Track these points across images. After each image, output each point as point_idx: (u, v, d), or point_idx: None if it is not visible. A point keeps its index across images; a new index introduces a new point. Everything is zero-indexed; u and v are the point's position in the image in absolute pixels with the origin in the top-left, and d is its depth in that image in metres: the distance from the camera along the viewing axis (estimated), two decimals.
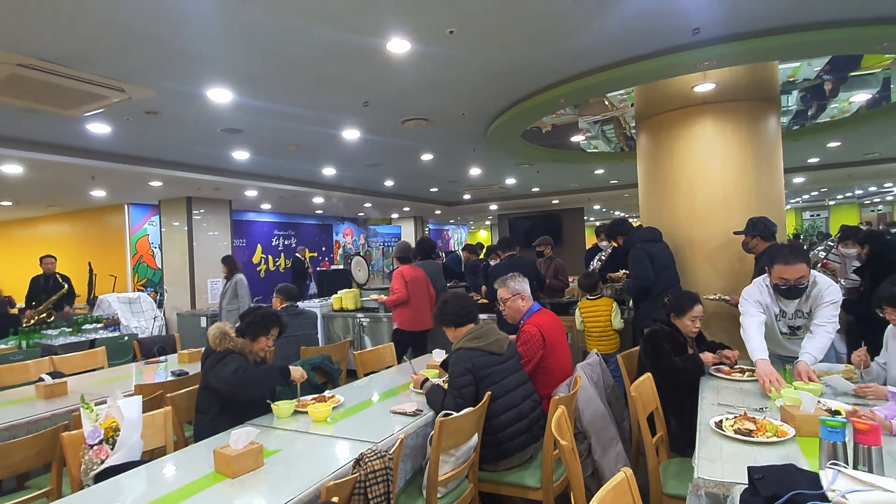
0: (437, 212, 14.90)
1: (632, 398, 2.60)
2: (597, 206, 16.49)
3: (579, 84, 4.08)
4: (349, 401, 3.00)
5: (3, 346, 5.40)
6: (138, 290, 9.45)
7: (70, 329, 5.88)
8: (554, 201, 13.26)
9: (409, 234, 16.32)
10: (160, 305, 8.99)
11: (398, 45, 3.32)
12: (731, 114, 4.46)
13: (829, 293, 2.84)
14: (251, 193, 8.87)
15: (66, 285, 6.91)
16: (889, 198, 19.71)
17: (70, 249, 10.39)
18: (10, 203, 8.80)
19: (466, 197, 12.51)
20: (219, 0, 2.76)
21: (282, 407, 2.69)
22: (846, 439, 1.74)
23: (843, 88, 5.47)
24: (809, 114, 6.48)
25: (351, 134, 5.60)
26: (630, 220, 4.98)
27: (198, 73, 3.71)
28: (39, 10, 2.73)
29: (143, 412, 2.72)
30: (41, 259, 6.84)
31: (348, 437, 2.39)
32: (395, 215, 15.83)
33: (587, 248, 6.49)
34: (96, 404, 2.44)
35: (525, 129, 5.85)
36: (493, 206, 14.13)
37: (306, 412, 2.69)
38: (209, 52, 3.40)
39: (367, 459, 1.87)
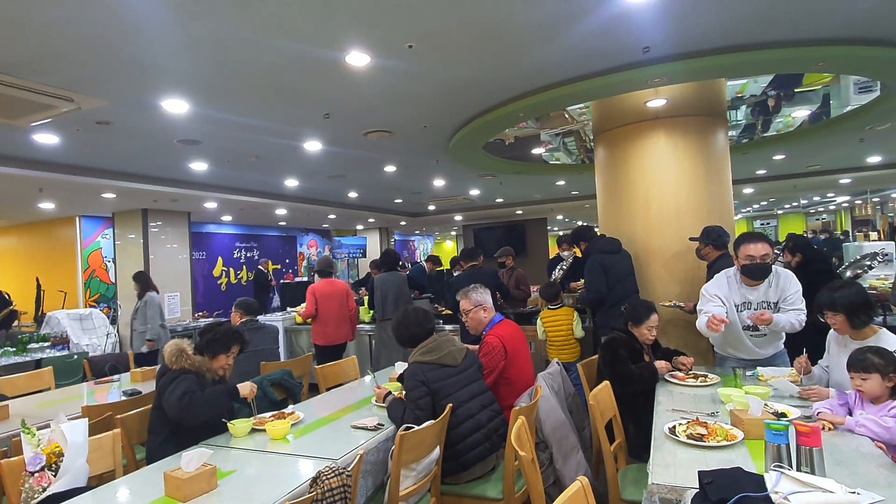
0: (403, 223, 14.88)
1: (590, 406, 2.65)
2: (560, 217, 16.79)
3: (537, 98, 4.18)
4: (309, 417, 2.95)
5: None
6: (90, 306, 9.06)
7: (14, 349, 5.58)
8: (518, 212, 13.44)
9: (374, 245, 16.22)
10: (113, 322, 8.63)
11: (357, 59, 3.33)
12: (682, 128, 4.65)
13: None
14: (211, 205, 8.66)
15: (12, 303, 6.57)
16: (832, 207, 20.80)
17: (16, 264, 9.92)
18: None
19: (431, 208, 12.55)
20: (171, 11, 2.71)
21: (238, 426, 2.62)
22: (789, 441, 1.81)
23: (786, 104, 5.76)
24: (756, 128, 6.79)
25: (313, 146, 5.55)
26: (594, 228, 5.08)
27: (152, 84, 3.62)
28: None
29: (91, 435, 2.62)
30: None
31: (307, 455, 2.34)
32: (360, 226, 15.71)
33: (550, 257, 6.59)
34: (38, 428, 2.33)
35: (487, 142, 5.93)
36: (458, 217, 14.21)
37: (264, 430, 2.63)
38: (163, 63, 3.32)
39: (324, 477, 1.84)
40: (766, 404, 2.44)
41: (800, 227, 21.60)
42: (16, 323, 8.06)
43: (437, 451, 2.56)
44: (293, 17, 2.83)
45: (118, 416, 2.83)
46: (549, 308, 4.76)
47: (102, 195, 6.99)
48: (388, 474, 2.42)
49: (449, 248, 24.80)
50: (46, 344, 5.80)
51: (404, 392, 2.74)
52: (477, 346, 3.30)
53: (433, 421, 2.48)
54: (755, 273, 3.07)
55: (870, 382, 2.24)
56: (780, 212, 22.31)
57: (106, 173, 6.06)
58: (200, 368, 2.69)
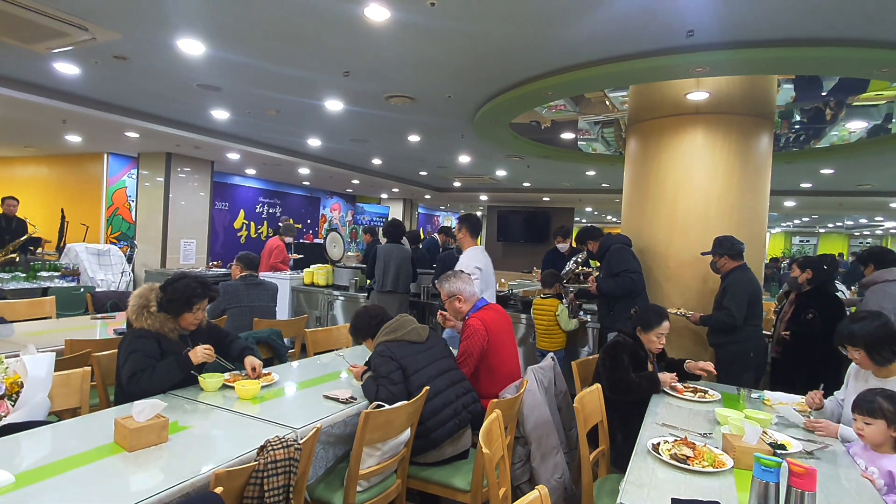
0: (427, 196, 14.71)
1: (575, 409, 2.49)
2: (588, 209, 16.38)
3: (568, 77, 3.92)
4: (284, 380, 2.87)
5: None
6: (110, 243, 9.21)
7: (25, 275, 5.67)
8: (545, 198, 13.12)
9: (397, 214, 16.13)
10: (129, 260, 8.75)
11: (376, 12, 3.13)
12: (723, 126, 4.32)
13: None
14: (233, 156, 8.63)
15: (34, 227, 6.68)
16: (879, 231, 19.78)
17: (45, 194, 10.11)
18: None
19: (457, 184, 12.33)
20: None
21: (208, 381, 2.55)
22: (780, 480, 1.62)
23: (844, 116, 5.34)
24: (802, 138, 6.35)
25: (334, 105, 5.39)
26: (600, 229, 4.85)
27: (165, 20, 3.50)
28: None
29: (69, 369, 2.59)
30: (2, 200, 6.58)
31: (269, 420, 2.25)
32: (384, 195, 15.61)
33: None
34: (8, 356, 2.29)
35: (518, 121, 5.68)
36: (484, 197, 13.97)
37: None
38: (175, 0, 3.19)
39: (270, 448, 1.73)
40: (764, 432, 2.24)
41: (842, 248, 20.64)
42: (39, 250, 8.24)
43: (406, 434, 2.44)
44: None
45: (95, 355, 2.79)
46: (541, 297, 4.68)
47: (126, 133, 7.00)
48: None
49: None
50: (56, 274, 5.88)
51: (373, 372, 2.63)
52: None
53: (405, 402, 2.36)
54: None
55: (873, 428, 2.02)
56: (822, 230, 21.35)
57: (127, 111, 6.03)
58: (161, 329, 2.54)
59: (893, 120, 5.43)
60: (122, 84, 5.11)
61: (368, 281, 5.85)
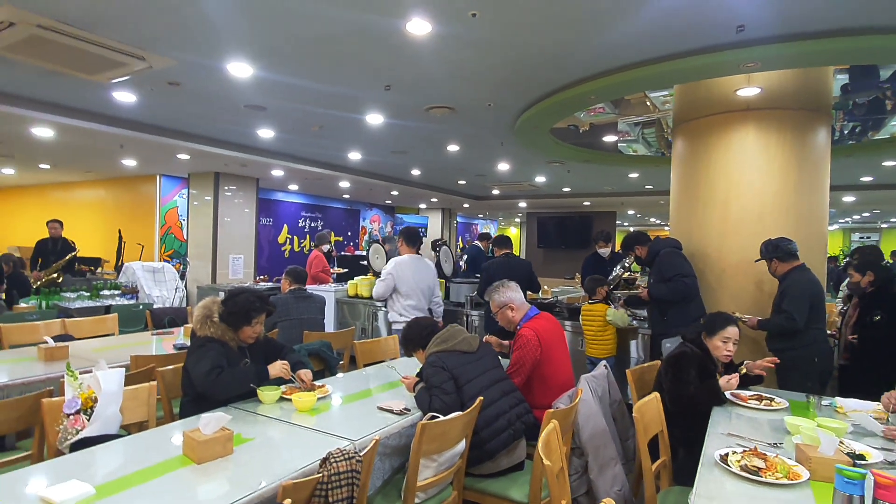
0: (466, 205, 14.73)
1: (635, 419, 2.42)
2: (631, 211, 16.02)
3: (612, 80, 3.85)
4: (339, 392, 2.90)
5: (24, 305, 5.53)
6: (164, 261, 9.62)
7: (89, 294, 5.97)
8: (585, 203, 12.92)
9: (436, 224, 16.21)
10: (182, 277, 9.11)
11: (418, 26, 3.17)
12: (777, 122, 4.16)
13: None
14: (277, 173, 8.89)
15: (75, 249, 7.12)
16: None
17: (103, 216, 10.67)
18: (48, 166, 9.04)
19: (495, 192, 12.31)
20: None
21: (266, 393, 2.61)
22: (864, 493, 1.53)
23: None
24: (860, 130, 6.04)
25: (375, 118, 5.49)
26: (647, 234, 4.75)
27: (216, 45, 3.65)
28: None
29: (135, 384, 2.70)
30: (48, 223, 7.03)
31: (327, 432, 2.28)
32: (422, 205, 15.73)
33: (613, 252, 6.22)
34: (84, 373, 2.41)
35: (556, 126, 5.63)
36: (523, 204, 13.88)
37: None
38: (226, 24, 3.32)
39: (332, 460, 1.75)
40: (841, 442, 2.11)
41: None
42: (99, 269, 8.69)
43: (462, 445, 2.43)
44: None
45: (159, 369, 2.91)
46: (588, 302, 4.63)
47: (178, 155, 7.32)
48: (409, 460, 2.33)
49: (514, 235, 24.44)
50: (117, 292, 6.17)
51: (425, 382, 2.63)
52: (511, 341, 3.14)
53: (459, 413, 2.35)
54: None
55: None
56: (884, 225, 20.19)
57: (179, 134, 6.31)
58: (224, 337, 2.65)
59: None
60: (175, 108, 5.35)
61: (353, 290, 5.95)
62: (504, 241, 5.32)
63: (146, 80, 4.42)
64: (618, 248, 5.58)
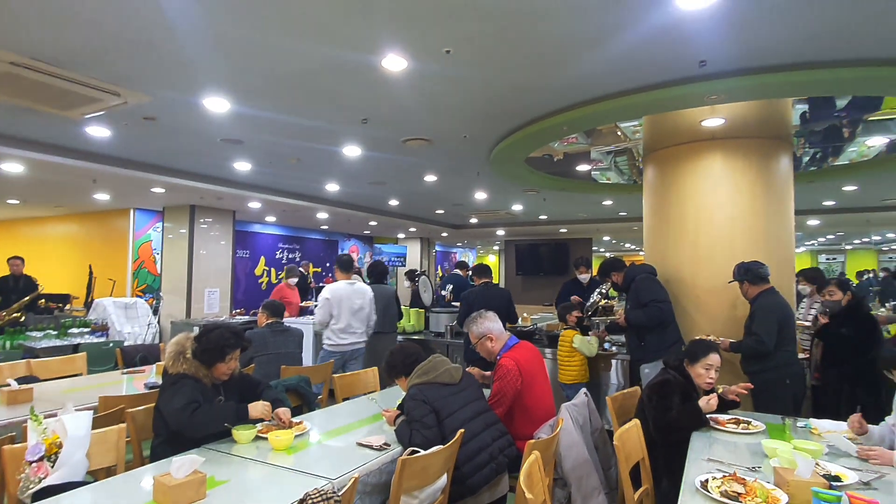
0: (444, 234, 14.80)
1: (616, 448, 2.42)
2: (606, 238, 16.29)
3: (582, 112, 3.97)
4: (317, 428, 2.84)
5: None
6: (137, 296, 9.39)
7: (56, 332, 5.78)
8: (562, 230, 13.10)
9: (415, 254, 16.21)
10: (156, 312, 8.89)
11: (394, 63, 3.24)
12: (742, 150, 4.33)
13: None
14: (254, 205, 8.83)
15: (39, 286, 6.93)
16: None
17: (73, 250, 10.41)
18: (17, 201, 8.84)
19: (473, 221, 12.41)
20: (206, 12, 2.70)
21: (242, 433, 2.53)
22: None
23: (861, 132, 5.29)
24: (827, 156, 6.29)
25: (352, 151, 5.53)
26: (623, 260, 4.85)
27: (192, 81, 3.66)
28: (29, 7, 2.69)
29: (104, 426, 2.60)
30: (8, 260, 6.85)
31: (304, 471, 2.22)
32: (401, 235, 15.75)
33: (589, 278, 6.29)
34: (49, 416, 2.32)
35: (529, 155, 5.74)
36: (501, 232, 14.00)
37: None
38: (202, 62, 3.35)
39: (310, 501, 1.71)
40: (817, 463, 2.14)
41: (871, 263, 20.15)
42: (68, 306, 8.43)
43: (443, 480, 2.39)
44: (329, 19, 2.78)
45: (129, 410, 2.81)
46: (561, 329, 4.74)
47: (152, 189, 7.23)
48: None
49: (492, 263, 24.54)
50: (87, 329, 5.99)
51: (406, 416, 2.60)
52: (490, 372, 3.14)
53: (440, 447, 2.32)
54: None
55: None
56: (848, 247, 20.89)
57: (154, 168, 6.25)
58: (197, 374, 2.58)
59: None
60: (150, 142, 5.31)
61: None
62: (483, 269, 5.37)
63: (121, 116, 4.39)
64: (594, 274, 5.66)
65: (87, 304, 8.65)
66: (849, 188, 7.63)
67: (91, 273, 9.43)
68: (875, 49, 3.07)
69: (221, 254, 9.59)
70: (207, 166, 6.47)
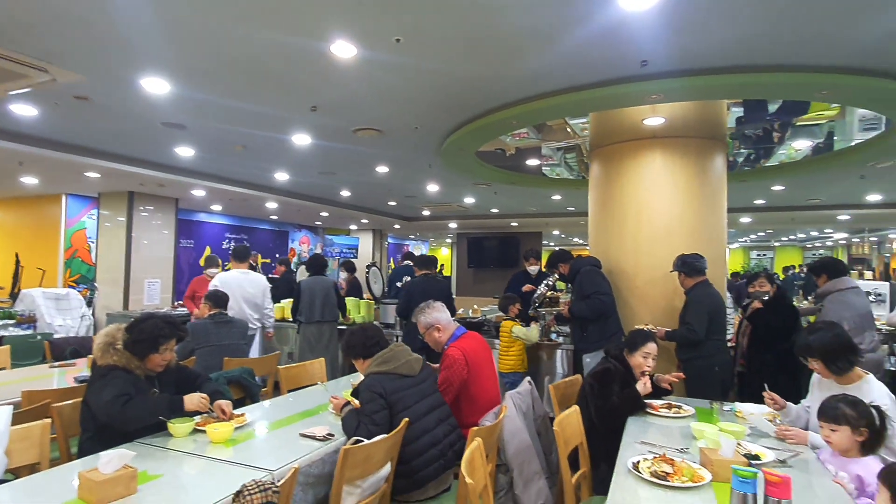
0: (397, 226, 14.74)
1: (556, 433, 2.49)
2: (556, 232, 16.67)
3: (531, 107, 4.04)
4: (259, 420, 2.78)
5: None
6: (69, 286, 8.88)
7: None
8: (513, 224, 13.31)
9: (367, 246, 16.07)
10: (90, 304, 8.44)
11: (343, 49, 3.19)
12: (680, 149, 4.52)
13: None
14: (199, 193, 8.51)
15: None
16: (829, 243, 20.72)
17: None
18: None
19: (426, 213, 12.41)
20: None
21: (178, 426, 2.45)
22: (756, 491, 1.66)
23: (790, 136, 5.64)
24: (759, 157, 6.67)
25: (301, 139, 5.41)
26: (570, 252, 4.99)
27: (129, 61, 3.48)
28: None
29: (27, 422, 2.46)
30: None
31: (244, 463, 2.18)
32: (353, 227, 15.56)
33: (538, 271, 6.42)
34: None
35: (483, 149, 5.80)
36: (453, 225, 14.07)
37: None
38: (140, 41, 3.19)
39: (246, 493, 1.68)
40: (739, 444, 2.28)
41: (796, 260, 21.54)
42: None
43: (387, 468, 2.39)
44: (275, 1, 2.70)
45: (55, 405, 2.66)
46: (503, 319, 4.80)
47: (86, 174, 6.84)
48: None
49: (445, 256, 24.65)
50: (11, 322, 5.62)
51: (360, 404, 2.58)
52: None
53: (384, 435, 2.32)
54: None
55: (839, 434, 2.08)
56: (776, 244, 22.24)
57: (88, 151, 5.90)
58: (129, 366, 2.47)
59: (835, 138, 5.77)
60: (83, 124, 5.02)
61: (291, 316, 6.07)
62: (425, 260, 5.46)
63: (50, 95, 4.13)
64: (543, 267, 5.81)
65: (14, 295, 8.12)
66: (777, 188, 8.11)
67: (18, 262, 8.85)
68: (801, 56, 3.27)
69: (163, 243, 9.20)
70: (147, 151, 6.17)
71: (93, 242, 9.34)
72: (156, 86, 3.90)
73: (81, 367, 4.06)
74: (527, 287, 5.44)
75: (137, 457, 2.09)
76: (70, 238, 9.18)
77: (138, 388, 2.45)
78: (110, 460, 1.84)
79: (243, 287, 5.12)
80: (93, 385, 2.40)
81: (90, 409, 2.39)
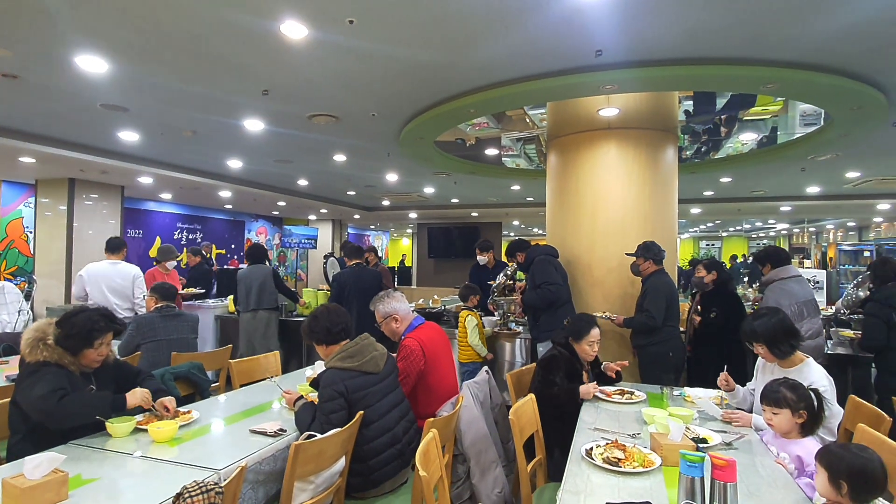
0: (357, 216, 14.53)
1: (511, 421, 2.50)
2: (515, 222, 16.83)
3: (488, 95, 4.02)
4: (207, 416, 2.67)
5: None
6: (5, 279, 8.35)
7: None
8: (473, 214, 13.34)
9: (326, 236, 15.79)
10: (28, 297, 7.95)
11: (294, 29, 3.07)
12: (633, 140, 4.59)
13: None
14: (146, 180, 8.12)
15: None
16: (772, 233, 21.76)
17: None
18: None
19: (385, 203, 12.28)
20: None
21: (117, 425, 2.31)
22: (704, 474, 1.70)
23: (737, 129, 5.83)
24: (708, 150, 6.88)
25: (254, 125, 5.22)
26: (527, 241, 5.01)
27: (61, 35, 3.25)
28: None
29: None
30: None
31: (188, 463, 2.08)
32: (312, 216, 15.26)
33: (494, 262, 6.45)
34: None
35: (444, 139, 5.75)
36: (413, 215, 14.00)
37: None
38: (72, 13, 2.97)
39: (187, 494, 1.59)
40: (687, 428, 2.34)
41: (742, 249, 22.52)
42: None
43: (340, 463, 2.34)
44: None
45: None
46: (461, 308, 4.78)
47: (20, 159, 6.41)
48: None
49: (405, 246, 24.53)
50: None
51: (318, 399, 2.49)
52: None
53: (338, 429, 2.26)
54: None
55: (780, 417, 2.17)
56: (724, 234, 23.18)
57: (21, 135, 5.53)
58: (61, 361, 2.31)
59: (778, 132, 6.01)
60: (14, 105, 4.68)
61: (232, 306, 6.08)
62: (355, 251, 5.48)
63: None
64: (503, 256, 5.82)
65: None
66: (725, 180, 8.41)
67: None
68: (749, 49, 3.36)
69: (108, 233, 8.72)
70: (87, 135, 5.82)
71: (30, 232, 8.80)
72: (92, 64, 3.65)
73: (15, 366, 3.81)
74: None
75: (72, 459, 1.98)
76: (5, 228, 8.63)
77: (73, 385, 2.30)
78: (38, 464, 1.71)
79: (110, 277, 5.17)
80: (22, 383, 2.24)
81: (20, 408, 2.22)
